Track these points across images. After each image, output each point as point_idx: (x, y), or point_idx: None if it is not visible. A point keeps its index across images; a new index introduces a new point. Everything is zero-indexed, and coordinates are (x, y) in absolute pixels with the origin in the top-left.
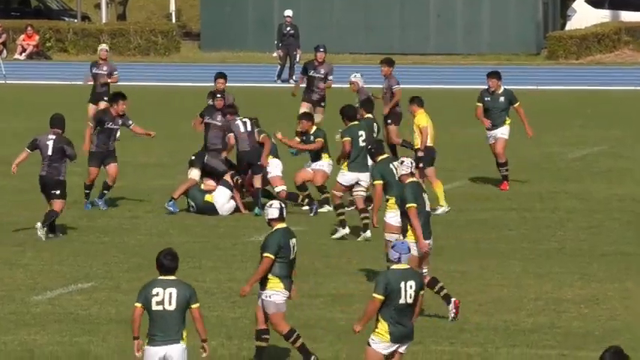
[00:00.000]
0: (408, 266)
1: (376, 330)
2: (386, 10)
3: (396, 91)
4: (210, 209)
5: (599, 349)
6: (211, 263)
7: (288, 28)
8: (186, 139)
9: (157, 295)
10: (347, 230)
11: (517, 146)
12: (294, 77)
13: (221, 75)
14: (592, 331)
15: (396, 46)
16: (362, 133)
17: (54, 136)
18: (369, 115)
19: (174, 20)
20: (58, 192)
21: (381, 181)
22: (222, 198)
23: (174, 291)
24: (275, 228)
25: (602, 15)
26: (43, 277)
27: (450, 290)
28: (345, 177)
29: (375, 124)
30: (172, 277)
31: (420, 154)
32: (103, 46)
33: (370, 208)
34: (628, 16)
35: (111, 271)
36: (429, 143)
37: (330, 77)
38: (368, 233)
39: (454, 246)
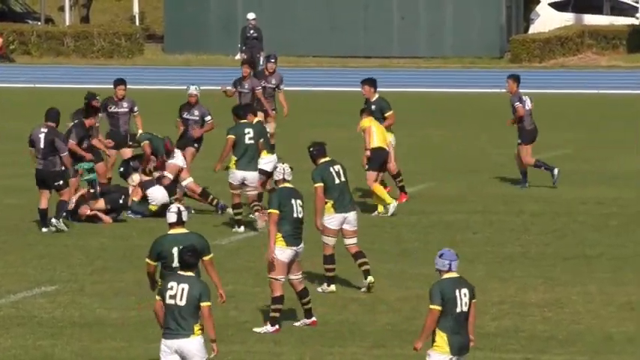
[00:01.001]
0: (458, 275)
1: (434, 344)
2: (350, 12)
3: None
4: (161, 212)
5: (563, 352)
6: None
7: (252, 31)
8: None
9: (171, 289)
10: (242, 229)
11: (481, 148)
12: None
13: (121, 81)
14: (556, 334)
15: (360, 49)
16: (249, 131)
17: (46, 129)
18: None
19: (137, 23)
20: (60, 182)
21: (321, 184)
22: (157, 194)
23: (186, 287)
24: (170, 232)
25: (566, 18)
26: (7, 280)
27: (415, 294)
28: (234, 175)
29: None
30: (190, 274)
31: (368, 154)
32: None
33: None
34: (591, 20)
35: (75, 274)
36: (379, 144)
37: (282, 87)
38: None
39: (419, 248)
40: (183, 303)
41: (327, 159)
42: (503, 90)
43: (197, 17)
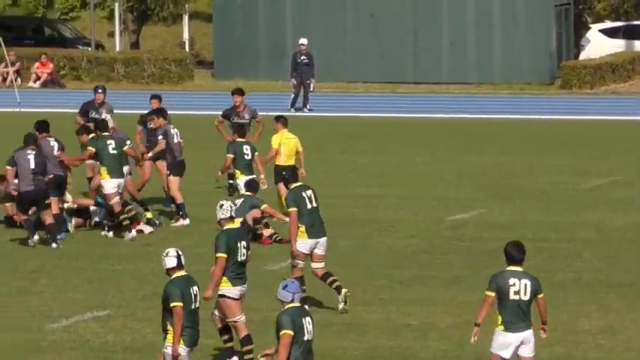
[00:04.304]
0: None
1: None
2: (399, 38)
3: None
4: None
5: None
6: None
7: (303, 57)
8: (198, 166)
9: (514, 285)
10: (133, 233)
11: (531, 176)
12: (307, 106)
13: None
14: None
15: (409, 75)
16: (111, 142)
17: (34, 151)
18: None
19: (187, 49)
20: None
21: (295, 209)
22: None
23: (528, 282)
24: (174, 276)
25: (617, 45)
26: (59, 304)
27: (465, 320)
28: (109, 184)
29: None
30: (520, 269)
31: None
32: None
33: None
34: None
35: (126, 299)
36: (287, 162)
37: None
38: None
39: (470, 276)
40: (527, 297)
41: (299, 183)
42: (553, 117)
43: (246, 43)
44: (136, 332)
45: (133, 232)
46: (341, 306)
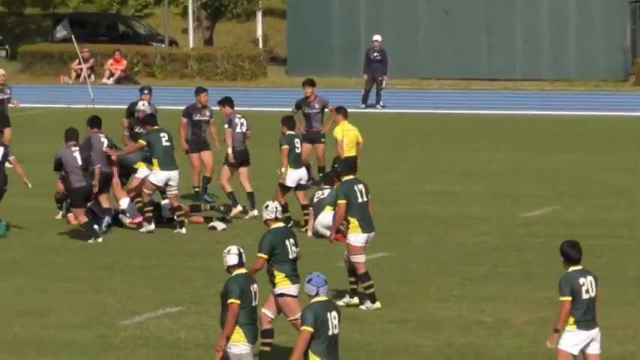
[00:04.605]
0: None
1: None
2: (473, 35)
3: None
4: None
5: None
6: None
7: (376, 54)
8: (271, 163)
9: (584, 284)
10: (152, 226)
11: (605, 173)
12: (380, 103)
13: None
14: None
15: (483, 71)
16: (164, 135)
17: (77, 147)
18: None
19: (260, 45)
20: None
21: (344, 202)
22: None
23: (592, 279)
24: (235, 273)
25: None
26: (131, 301)
27: (540, 317)
28: (157, 176)
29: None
30: (581, 267)
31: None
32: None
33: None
34: None
35: (198, 296)
36: (348, 153)
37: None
38: (183, 230)
39: (544, 273)
40: (593, 294)
41: (351, 176)
42: (628, 113)
43: (320, 39)
44: (208, 329)
45: (152, 227)
46: (341, 302)
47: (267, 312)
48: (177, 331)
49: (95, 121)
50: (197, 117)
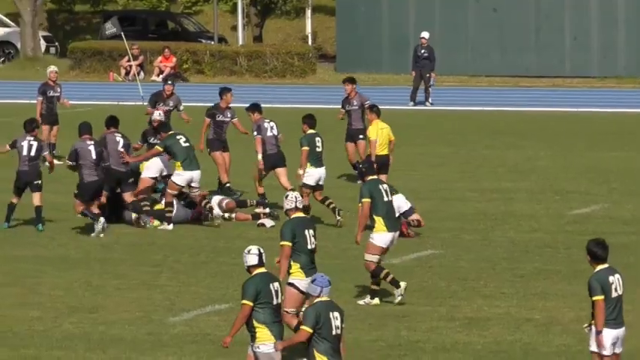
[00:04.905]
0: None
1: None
2: (521, 32)
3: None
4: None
5: None
6: (346, 285)
7: (423, 51)
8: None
9: (613, 282)
10: (170, 226)
11: None
12: (429, 100)
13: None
14: None
15: (532, 68)
16: (180, 137)
17: (92, 142)
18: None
19: (310, 42)
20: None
21: (369, 200)
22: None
23: (619, 276)
24: (254, 273)
25: None
26: (180, 298)
27: (587, 314)
28: (181, 177)
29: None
30: (607, 265)
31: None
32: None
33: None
34: None
35: None
36: (381, 152)
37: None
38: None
39: (592, 269)
40: (621, 292)
41: (376, 176)
42: None
43: (369, 37)
44: None
45: (170, 226)
46: (361, 301)
47: (289, 310)
48: (226, 328)
49: (112, 121)
50: (220, 117)
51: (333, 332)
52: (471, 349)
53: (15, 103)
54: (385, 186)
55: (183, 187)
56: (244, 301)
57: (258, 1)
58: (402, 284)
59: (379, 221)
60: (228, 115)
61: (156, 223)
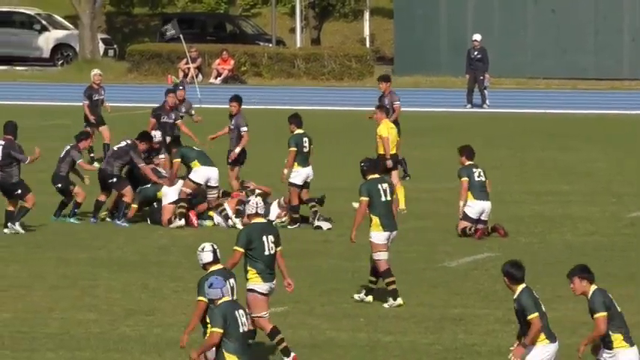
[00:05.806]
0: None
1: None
2: (579, 34)
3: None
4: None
5: None
6: (399, 287)
7: (476, 52)
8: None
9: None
10: (182, 222)
11: None
12: (486, 102)
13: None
14: None
15: (590, 71)
16: (192, 145)
17: (3, 142)
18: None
19: (367, 45)
20: (19, 191)
21: (366, 199)
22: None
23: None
24: (210, 269)
25: None
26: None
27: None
28: (198, 172)
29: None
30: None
31: (389, 162)
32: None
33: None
34: None
35: (303, 295)
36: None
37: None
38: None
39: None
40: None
41: (377, 175)
42: None
43: (427, 39)
44: (313, 328)
45: (181, 222)
46: (356, 296)
47: (262, 314)
48: (283, 330)
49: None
50: (164, 119)
51: (240, 329)
52: None
53: (73, 105)
54: (385, 185)
55: (200, 184)
56: (199, 298)
57: (316, 4)
58: (399, 301)
59: (376, 220)
60: (172, 117)
61: (209, 223)
